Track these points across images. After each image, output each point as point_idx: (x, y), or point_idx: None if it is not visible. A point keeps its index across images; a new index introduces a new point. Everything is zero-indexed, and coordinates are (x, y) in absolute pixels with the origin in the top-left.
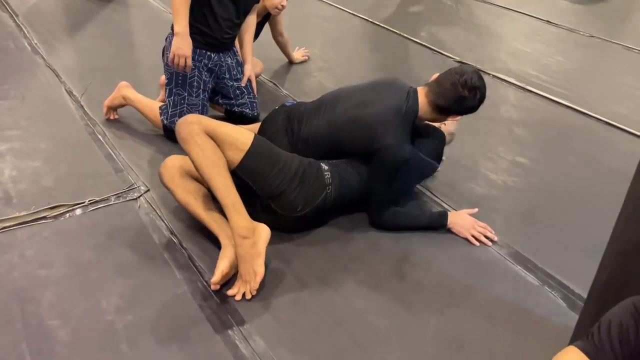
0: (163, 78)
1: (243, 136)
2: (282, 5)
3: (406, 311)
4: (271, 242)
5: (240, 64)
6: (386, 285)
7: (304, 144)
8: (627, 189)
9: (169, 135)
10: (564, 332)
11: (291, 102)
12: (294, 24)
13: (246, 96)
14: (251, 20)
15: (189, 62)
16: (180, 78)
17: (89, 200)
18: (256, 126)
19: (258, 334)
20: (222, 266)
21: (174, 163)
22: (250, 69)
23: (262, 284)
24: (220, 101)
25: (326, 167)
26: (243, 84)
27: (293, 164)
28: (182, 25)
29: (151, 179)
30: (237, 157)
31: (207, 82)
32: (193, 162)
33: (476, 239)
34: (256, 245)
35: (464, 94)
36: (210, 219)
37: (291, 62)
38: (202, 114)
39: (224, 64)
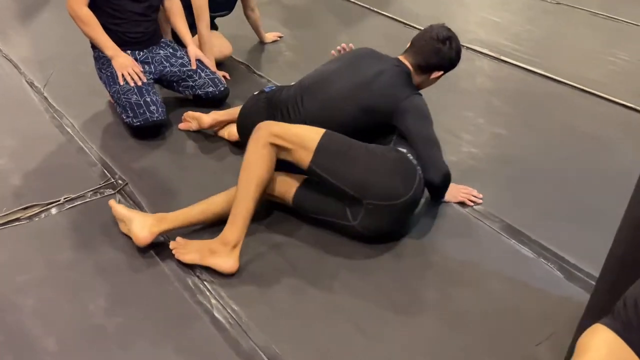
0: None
1: (312, 133)
2: None
3: (405, 291)
4: (264, 231)
5: (181, 50)
6: (383, 266)
7: None
8: (606, 154)
9: (134, 134)
10: (563, 303)
11: (270, 88)
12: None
13: (203, 74)
14: (174, 6)
15: (137, 68)
16: (109, 78)
17: (64, 198)
18: (236, 110)
19: (258, 327)
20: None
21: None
22: (194, 50)
23: (259, 274)
24: (180, 89)
25: (403, 150)
26: (193, 67)
27: (370, 149)
28: (110, 48)
29: (128, 171)
30: (308, 155)
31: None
32: (244, 160)
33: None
34: (227, 256)
35: (438, 45)
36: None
37: (262, 42)
38: (144, 95)
39: (156, 56)
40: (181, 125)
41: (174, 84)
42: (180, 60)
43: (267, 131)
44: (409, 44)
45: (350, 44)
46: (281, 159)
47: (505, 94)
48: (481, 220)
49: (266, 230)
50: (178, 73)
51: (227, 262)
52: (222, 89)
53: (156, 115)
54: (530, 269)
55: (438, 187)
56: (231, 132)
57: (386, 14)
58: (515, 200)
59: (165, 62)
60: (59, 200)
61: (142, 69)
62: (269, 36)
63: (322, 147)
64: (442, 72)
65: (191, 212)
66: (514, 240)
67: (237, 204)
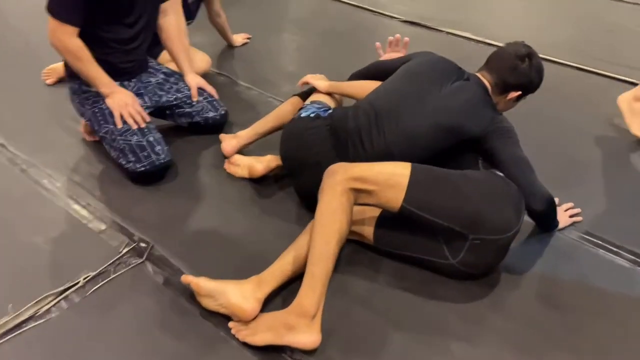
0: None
1: (398, 168)
2: None
3: (539, 335)
4: (339, 278)
5: (174, 75)
6: (497, 306)
7: (383, 156)
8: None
9: (136, 180)
10: None
11: (316, 110)
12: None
13: (201, 98)
14: (170, 27)
15: (138, 106)
16: (98, 116)
17: (84, 279)
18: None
19: None
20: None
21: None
22: (193, 79)
23: (349, 339)
24: (175, 117)
25: (500, 173)
26: (195, 99)
27: (470, 175)
28: (106, 84)
29: (146, 229)
30: (399, 194)
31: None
32: (319, 211)
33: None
34: (308, 329)
35: (516, 62)
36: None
37: (231, 46)
38: (146, 134)
39: (148, 85)
40: (229, 169)
41: (168, 112)
42: (175, 87)
43: (345, 175)
44: (485, 62)
45: (406, 38)
46: (359, 204)
47: None
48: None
49: (341, 277)
50: (174, 101)
51: (309, 337)
52: (223, 112)
53: (162, 156)
54: (627, 278)
55: (545, 215)
56: (254, 168)
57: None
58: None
59: (159, 91)
60: (77, 283)
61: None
62: (238, 39)
63: (414, 182)
64: (519, 93)
65: (284, 264)
66: (602, 251)
67: (315, 264)
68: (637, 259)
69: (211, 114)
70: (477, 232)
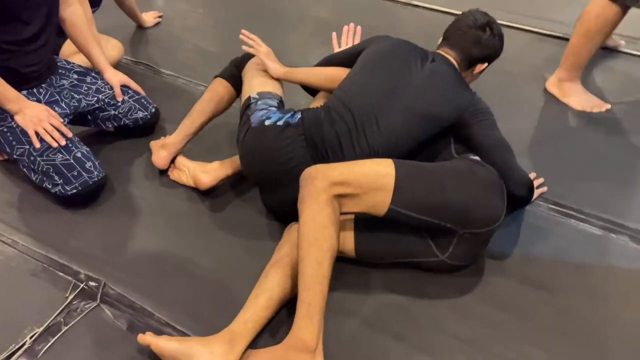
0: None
1: (380, 167)
2: None
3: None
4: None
5: (89, 73)
6: (500, 294)
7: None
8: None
9: (67, 205)
10: None
11: (280, 115)
12: None
13: (126, 97)
14: (77, 18)
15: (55, 120)
16: (9, 136)
17: (31, 337)
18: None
19: None
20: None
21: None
22: (115, 75)
23: None
24: (99, 122)
25: (476, 157)
26: (119, 98)
27: (453, 168)
28: (13, 99)
29: (94, 263)
30: (385, 197)
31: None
32: (303, 226)
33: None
34: None
35: (478, 33)
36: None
37: (142, 28)
38: (72, 150)
39: (62, 91)
40: (172, 175)
41: (90, 117)
42: (94, 87)
43: (326, 181)
44: (441, 37)
45: (358, 27)
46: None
47: None
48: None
49: (331, 300)
50: (95, 103)
51: None
52: (154, 110)
53: (95, 173)
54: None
55: (526, 200)
56: (199, 180)
57: None
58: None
59: (76, 95)
60: (23, 344)
61: (60, 119)
62: (149, 19)
63: (400, 181)
64: (486, 65)
65: (257, 311)
66: (573, 220)
67: (309, 289)
68: (607, 225)
69: (141, 114)
70: (467, 227)
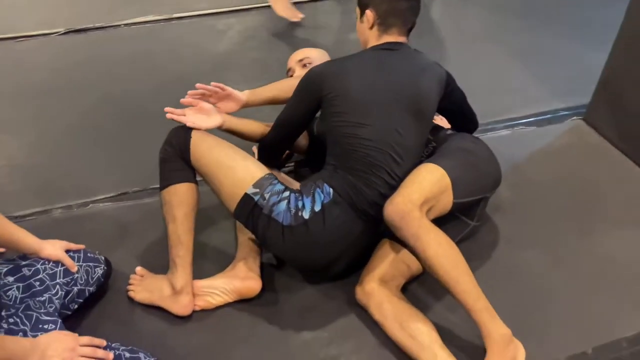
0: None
1: (433, 172)
2: None
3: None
4: None
5: (19, 266)
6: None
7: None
8: None
9: None
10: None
11: (308, 205)
12: None
13: (77, 264)
14: None
15: (86, 341)
16: None
17: None
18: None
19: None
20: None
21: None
22: (53, 246)
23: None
24: (66, 311)
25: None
26: (74, 270)
27: (463, 147)
28: (20, 351)
29: None
30: (449, 195)
31: None
32: (427, 260)
33: None
34: None
35: (409, 2)
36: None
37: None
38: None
39: (24, 304)
40: (199, 306)
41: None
42: (40, 276)
43: (415, 207)
44: (372, 23)
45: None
46: None
47: None
48: None
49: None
50: (60, 291)
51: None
52: (103, 258)
53: None
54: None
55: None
56: (245, 285)
57: None
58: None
59: (40, 297)
60: None
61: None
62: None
63: (452, 177)
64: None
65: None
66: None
67: (478, 298)
68: (508, 124)
69: (99, 271)
70: (494, 189)
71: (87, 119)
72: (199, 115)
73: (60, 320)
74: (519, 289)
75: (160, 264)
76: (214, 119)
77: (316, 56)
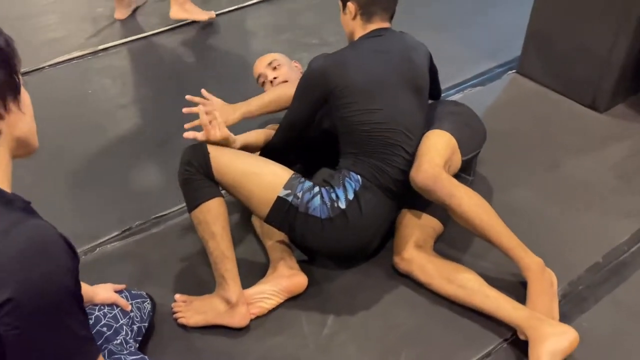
0: None
1: (441, 137)
2: None
3: None
4: None
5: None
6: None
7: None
8: None
9: None
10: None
11: (347, 192)
12: None
13: (129, 303)
14: None
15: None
16: None
17: None
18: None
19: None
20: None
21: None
22: (105, 290)
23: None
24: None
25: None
26: (128, 309)
27: (454, 110)
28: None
29: None
30: (458, 154)
31: None
32: (463, 213)
33: None
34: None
35: None
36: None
37: None
38: None
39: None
40: (254, 314)
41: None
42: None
43: (442, 169)
44: (354, 14)
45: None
46: None
47: None
48: None
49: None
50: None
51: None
52: (145, 293)
53: None
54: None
55: None
56: (293, 282)
57: None
58: None
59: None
60: None
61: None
62: None
63: (457, 138)
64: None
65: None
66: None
67: (511, 235)
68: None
69: (148, 307)
70: (483, 144)
71: (55, 165)
72: (221, 110)
73: (147, 357)
74: (521, 226)
75: (188, 286)
76: (235, 111)
77: (279, 57)
